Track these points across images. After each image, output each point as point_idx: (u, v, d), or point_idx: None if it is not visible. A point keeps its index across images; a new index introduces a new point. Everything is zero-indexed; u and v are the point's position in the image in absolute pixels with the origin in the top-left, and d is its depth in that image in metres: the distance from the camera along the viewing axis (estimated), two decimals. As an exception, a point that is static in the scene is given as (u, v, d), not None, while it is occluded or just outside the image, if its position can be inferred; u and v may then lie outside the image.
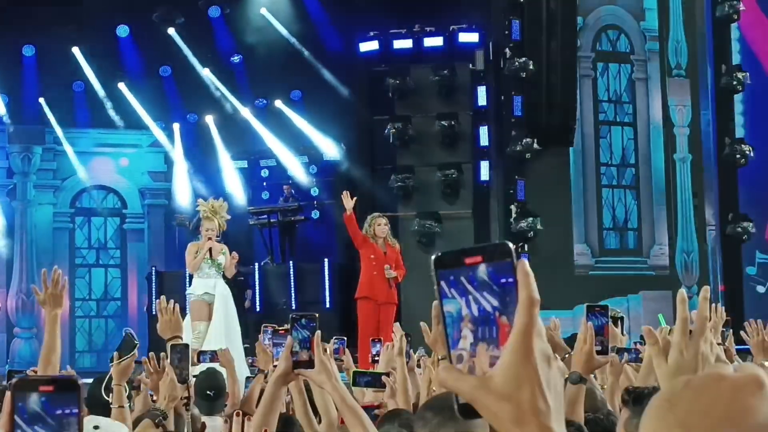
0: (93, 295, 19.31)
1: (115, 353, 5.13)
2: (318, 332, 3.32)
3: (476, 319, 1.05)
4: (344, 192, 12.02)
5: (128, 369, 4.95)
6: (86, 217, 19.38)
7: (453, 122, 16.64)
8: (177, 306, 5.60)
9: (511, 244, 1.08)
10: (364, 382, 5.35)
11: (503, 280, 1.06)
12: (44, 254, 18.77)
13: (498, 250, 1.06)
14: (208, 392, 6.13)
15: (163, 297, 5.68)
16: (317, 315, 3.45)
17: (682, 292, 2.00)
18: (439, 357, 4.66)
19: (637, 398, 3.29)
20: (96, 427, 3.17)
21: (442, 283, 1.06)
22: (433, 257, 1.08)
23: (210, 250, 11.67)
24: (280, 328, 5.89)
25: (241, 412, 2.88)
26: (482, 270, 1.05)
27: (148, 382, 4.97)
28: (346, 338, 7.57)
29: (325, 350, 3.28)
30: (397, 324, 7.13)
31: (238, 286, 15.09)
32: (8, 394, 1.40)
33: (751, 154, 17.91)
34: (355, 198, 11.83)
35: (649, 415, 0.96)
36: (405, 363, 5.18)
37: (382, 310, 12.13)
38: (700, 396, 0.94)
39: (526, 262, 1.08)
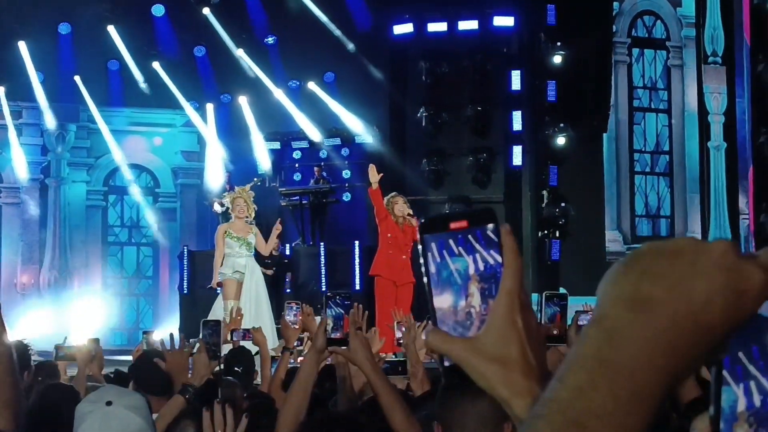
0: (125, 274, 19.42)
1: None
2: (352, 310, 3.33)
3: (483, 277, 1.07)
4: (370, 165, 12.06)
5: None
6: (119, 195, 19.48)
7: (486, 107, 16.57)
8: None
9: (492, 209, 1.12)
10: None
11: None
12: (77, 231, 18.89)
13: (482, 215, 1.09)
14: (235, 369, 6.17)
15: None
16: (351, 293, 3.46)
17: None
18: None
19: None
20: (108, 403, 3.07)
21: (450, 241, 1.07)
22: (419, 222, 1.10)
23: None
24: (294, 302, 6.00)
25: (222, 402, 2.90)
26: (490, 229, 1.07)
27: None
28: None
29: (359, 328, 3.28)
30: (410, 314, 7.14)
31: (280, 268, 15.15)
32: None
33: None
34: (381, 174, 11.86)
35: (611, 271, 0.94)
36: (416, 350, 5.14)
37: (400, 290, 12.22)
38: (667, 246, 0.92)
39: (509, 226, 1.10)
